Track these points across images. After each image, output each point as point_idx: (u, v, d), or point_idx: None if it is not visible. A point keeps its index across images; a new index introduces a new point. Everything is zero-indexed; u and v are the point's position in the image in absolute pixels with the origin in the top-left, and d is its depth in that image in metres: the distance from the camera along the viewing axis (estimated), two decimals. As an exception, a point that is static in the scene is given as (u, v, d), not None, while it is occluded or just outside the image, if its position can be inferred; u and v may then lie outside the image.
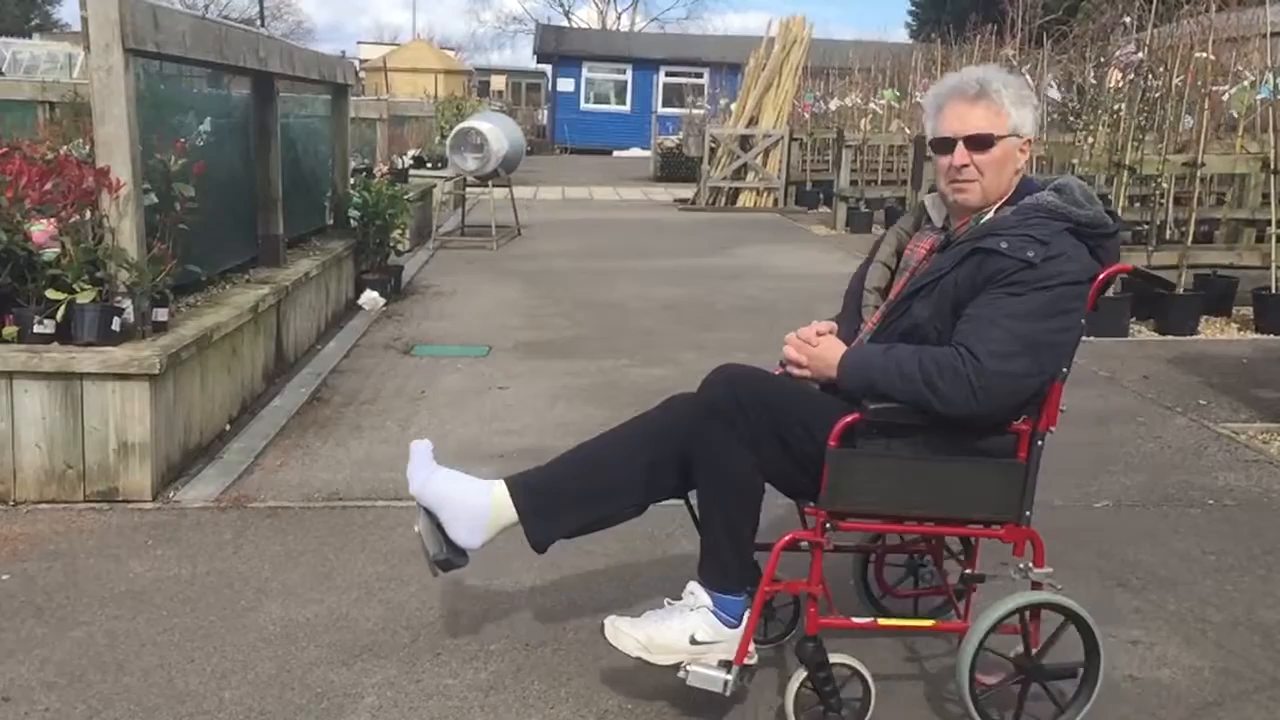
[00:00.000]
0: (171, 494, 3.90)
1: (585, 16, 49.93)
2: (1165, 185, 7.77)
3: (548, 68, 36.02)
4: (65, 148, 4.64)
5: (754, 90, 15.66)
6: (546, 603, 3.07)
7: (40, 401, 3.74)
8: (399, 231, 8.25)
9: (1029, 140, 2.44)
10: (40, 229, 3.75)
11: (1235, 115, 8.12)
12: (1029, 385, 2.28)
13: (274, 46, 5.92)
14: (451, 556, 2.49)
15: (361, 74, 24.50)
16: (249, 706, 2.55)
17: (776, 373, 2.52)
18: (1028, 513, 2.38)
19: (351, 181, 7.90)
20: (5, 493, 3.78)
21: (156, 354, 3.81)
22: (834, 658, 2.38)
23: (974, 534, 2.52)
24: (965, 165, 2.39)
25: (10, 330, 3.82)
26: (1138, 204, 8.24)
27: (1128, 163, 7.18)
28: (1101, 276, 2.33)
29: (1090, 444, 4.71)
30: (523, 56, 66.22)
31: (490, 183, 11.16)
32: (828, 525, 2.35)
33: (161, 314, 4.13)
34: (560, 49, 33.88)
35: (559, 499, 2.47)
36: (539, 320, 7.22)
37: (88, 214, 3.91)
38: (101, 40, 3.79)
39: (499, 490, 2.47)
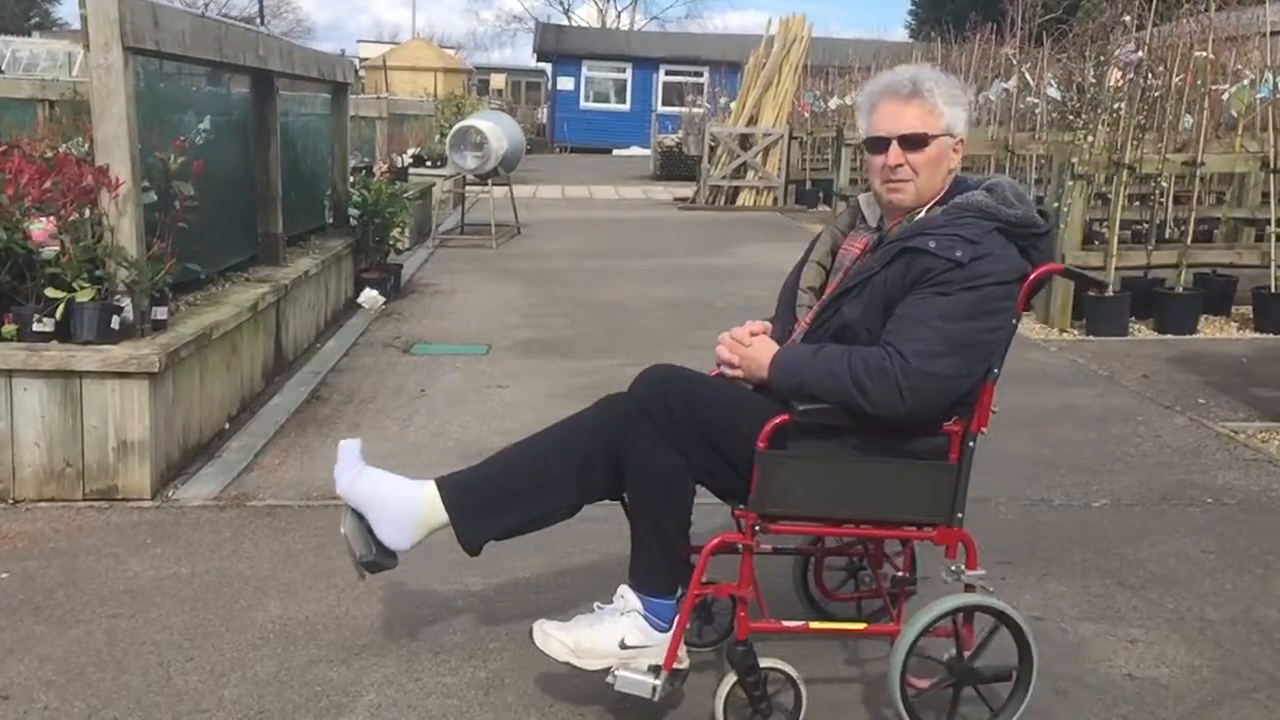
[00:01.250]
0: (171, 493, 3.90)
1: (585, 15, 49.94)
2: (1165, 184, 7.76)
3: (547, 66, 36.01)
4: (64, 146, 4.65)
5: (754, 89, 15.66)
6: (546, 601, 3.07)
7: (39, 400, 3.74)
8: (398, 230, 8.25)
9: (961, 140, 2.43)
10: (39, 227, 3.75)
11: (1235, 114, 8.11)
12: (957, 385, 2.27)
13: (273, 45, 5.92)
14: (380, 558, 2.44)
15: (361, 72, 24.51)
16: (248, 705, 2.55)
17: (712, 374, 2.50)
18: (960, 514, 2.36)
19: (351, 180, 7.90)
20: (4, 491, 3.78)
21: (156, 352, 3.81)
22: (765, 662, 2.35)
23: (906, 536, 2.50)
24: (900, 165, 2.38)
25: (9, 328, 3.82)
26: (1137, 203, 8.24)
27: (1127, 162, 7.18)
28: (1033, 276, 2.31)
29: (1089, 443, 4.71)
30: (522, 55, 66.24)
31: (490, 181, 11.16)
32: (757, 528, 2.32)
33: (161, 312, 4.13)
34: (560, 48, 33.87)
35: (490, 499, 2.43)
36: (538, 319, 7.22)
37: (87, 212, 3.91)
38: (101, 38, 3.79)
39: (429, 490, 2.43)
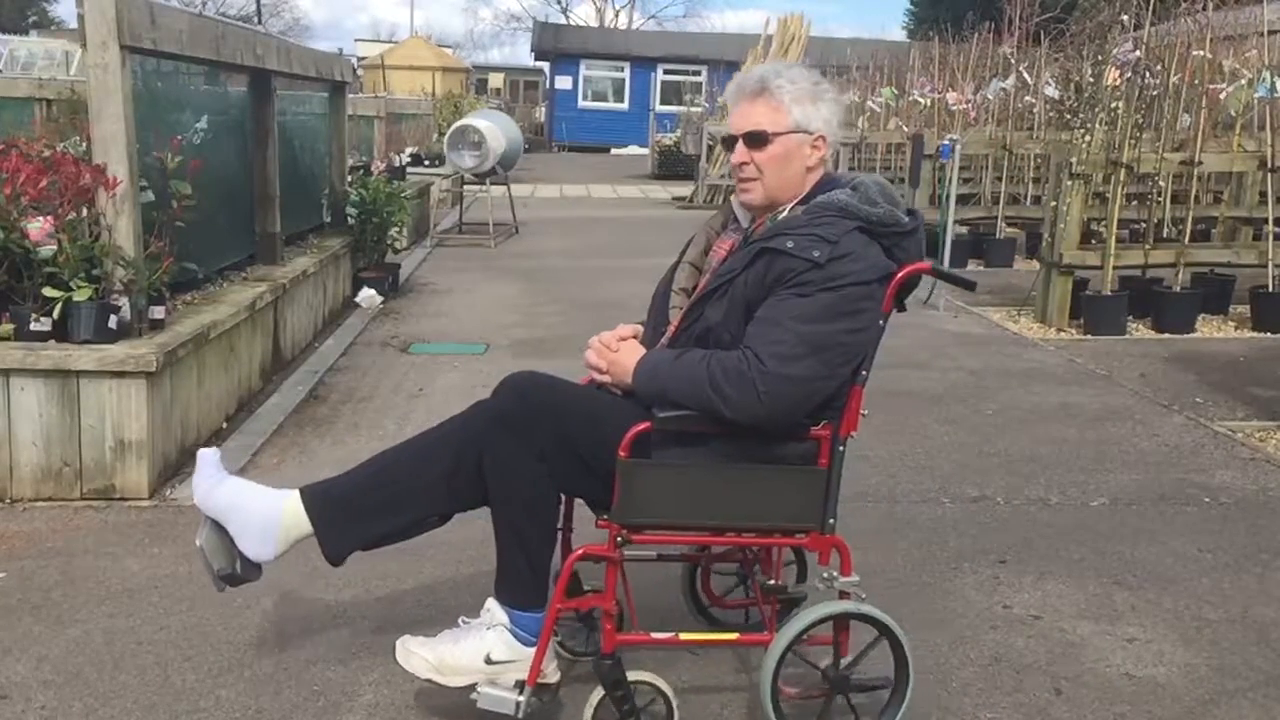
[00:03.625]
0: (168, 492, 3.90)
1: (583, 14, 49.91)
2: (1163, 183, 7.77)
3: (546, 65, 35.98)
4: (62, 145, 4.64)
5: (752, 88, 15.63)
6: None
7: (37, 399, 3.74)
8: (396, 229, 8.25)
9: (821, 137, 2.37)
10: (37, 226, 3.74)
11: (1233, 114, 8.11)
12: (818, 388, 2.21)
13: (271, 44, 5.91)
14: (241, 571, 2.36)
15: (359, 71, 24.51)
16: (246, 705, 2.55)
17: (584, 381, 2.46)
18: (831, 520, 2.31)
19: (349, 179, 7.90)
20: (2, 491, 3.78)
21: (153, 352, 3.80)
22: (634, 675, 2.30)
23: (777, 543, 2.46)
24: (745, 163, 2.35)
25: (6, 328, 3.82)
26: (1135, 202, 8.24)
27: (1125, 161, 7.18)
28: (900, 275, 2.26)
29: (1087, 442, 4.72)
30: (521, 54, 66.29)
31: (488, 180, 11.16)
32: (620, 539, 2.26)
33: (158, 312, 4.13)
34: (558, 47, 33.84)
35: (355, 508, 2.34)
36: (536, 318, 7.22)
37: (84, 211, 3.90)
38: (98, 37, 3.79)
39: (292, 500, 2.35)
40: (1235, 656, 2.88)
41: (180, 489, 3.93)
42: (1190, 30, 8.12)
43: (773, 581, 2.48)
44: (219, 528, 2.35)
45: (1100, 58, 7.65)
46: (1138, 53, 7.43)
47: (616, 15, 49.62)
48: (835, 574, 2.34)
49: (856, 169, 14.40)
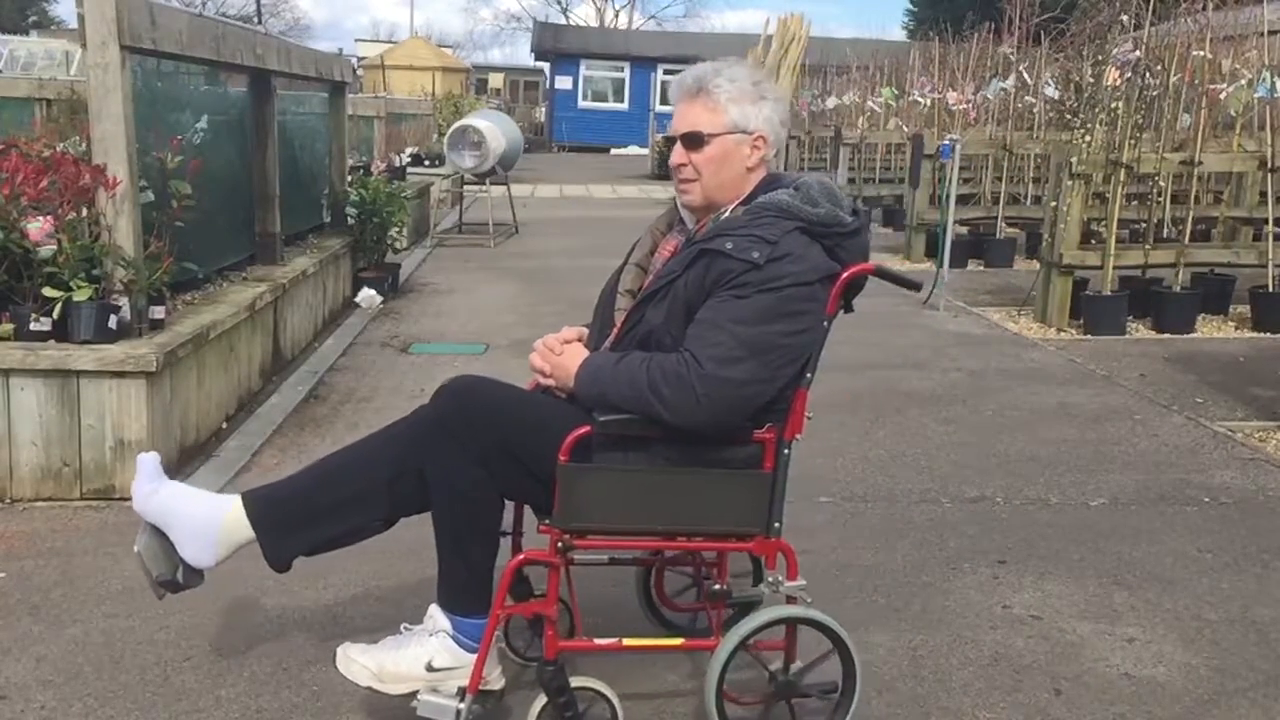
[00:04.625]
0: (168, 492, 3.89)
1: (583, 14, 49.92)
2: (1163, 183, 7.77)
3: (545, 65, 35.98)
4: (62, 145, 4.64)
5: (752, 88, 15.63)
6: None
7: (37, 399, 3.74)
8: (396, 229, 8.25)
9: (761, 136, 2.35)
10: (37, 226, 3.74)
11: (1233, 114, 8.11)
12: (759, 391, 2.18)
13: (271, 44, 5.91)
14: (181, 577, 2.33)
15: (359, 71, 24.51)
16: (245, 704, 2.55)
17: (530, 385, 2.43)
18: (777, 524, 2.29)
19: (349, 179, 7.90)
20: (2, 491, 3.78)
21: (153, 352, 3.80)
22: (577, 681, 2.28)
23: (722, 548, 2.43)
24: (683, 164, 2.34)
25: (6, 328, 3.82)
26: (1135, 202, 8.24)
27: (1125, 161, 7.18)
28: (845, 276, 2.24)
29: (1087, 442, 4.72)
30: (521, 54, 66.31)
31: (488, 180, 11.16)
32: (561, 544, 2.23)
33: (158, 312, 4.13)
34: (558, 47, 33.84)
35: (297, 513, 2.32)
36: (536, 318, 7.22)
37: (84, 211, 3.91)
38: (98, 37, 3.79)
39: (233, 506, 2.32)
40: (1235, 657, 2.88)
41: (180, 489, 3.93)
42: (1190, 30, 8.12)
43: (718, 586, 2.43)
44: (159, 534, 2.33)
45: (1100, 58, 7.65)
46: (1138, 53, 7.43)
47: (616, 15, 49.68)
48: (781, 578, 2.31)
49: (857, 169, 14.40)
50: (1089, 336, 7.03)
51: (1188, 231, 7.61)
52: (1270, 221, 7.46)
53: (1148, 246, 7.41)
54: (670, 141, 2.37)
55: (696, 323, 2.20)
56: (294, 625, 2.94)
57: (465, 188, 11.74)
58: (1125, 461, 4.48)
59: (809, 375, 2.25)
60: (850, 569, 3.38)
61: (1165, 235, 7.88)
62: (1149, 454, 4.59)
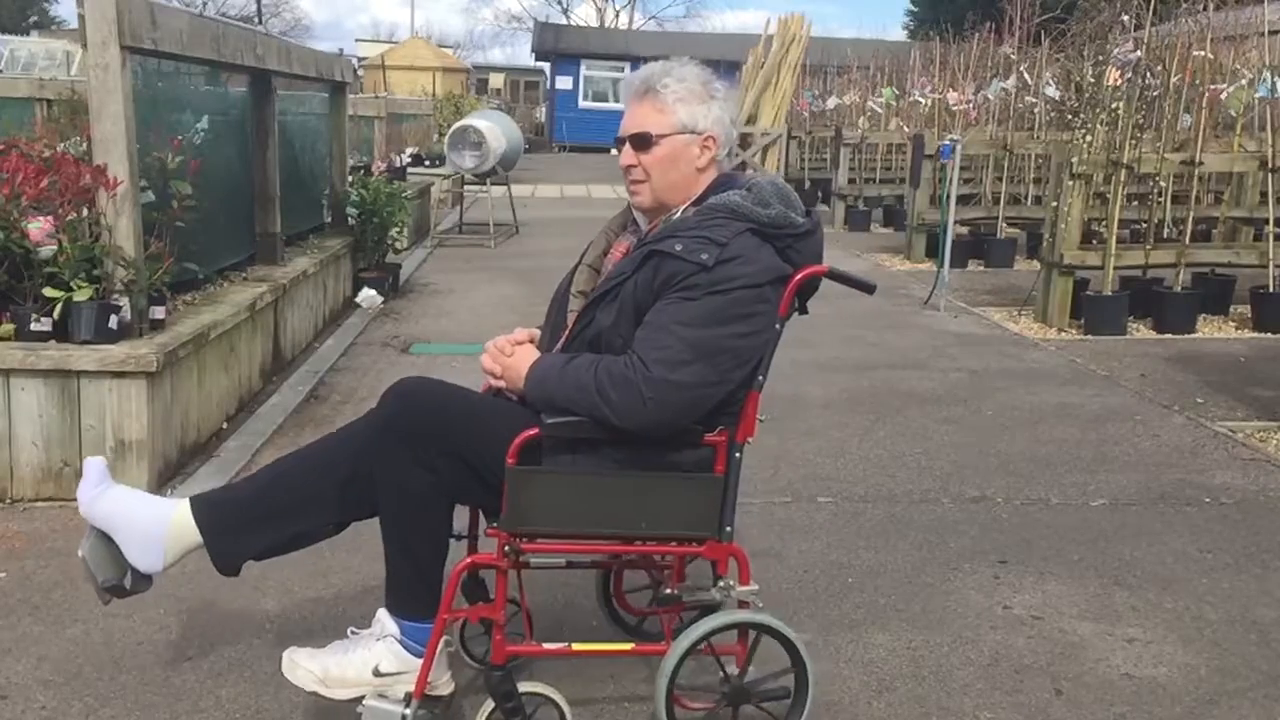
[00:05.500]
0: (168, 492, 3.89)
1: (584, 15, 49.92)
2: (1163, 184, 7.77)
3: (546, 66, 35.98)
4: (62, 145, 4.64)
5: (752, 88, 15.64)
6: (543, 599, 3.07)
7: (37, 399, 3.74)
8: (397, 230, 8.25)
9: (711, 137, 2.33)
10: (37, 227, 3.74)
11: (1233, 114, 8.11)
12: (708, 394, 2.16)
13: (271, 44, 5.91)
14: (128, 582, 2.29)
15: (360, 72, 24.51)
16: (245, 704, 2.55)
17: (484, 387, 2.40)
18: (729, 528, 2.26)
19: (349, 179, 7.90)
20: (2, 490, 3.78)
21: (154, 352, 3.81)
22: (525, 686, 2.27)
23: (673, 552, 2.40)
24: (632, 165, 2.32)
25: (7, 328, 3.82)
26: (1135, 202, 8.24)
27: (1126, 161, 7.18)
28: (798, 278, 2.22)
29: (1087, 442, 4.72)
30: (521, 54, 66.32)
31: (488, 181, 11.16)
32: (508, 548, 2.22)
33: (159, 312, 4.13)
34: (559, 47, 33.85)
35: (245, 517, 2.29)
36: (537, 318, 7.14)
37: (85, 212, 3.91)
38: (99, 37, 3.79)
39: (180, 509, 2.29)
40: (1235, 657, 2.88)
41: (181, 489, 3.93)
42: (1191, 30, 8.12)
43: (669, 591, 2.39)
44: (105, 538, 2.29)
45: (1101, 58, 7.65)
46: (1138, 53, 7.43)
47: (617, 15, 49.68)
48: (733, 583, 2.29)
49: (857, 169, 14.40)
50: (1089, 337, 7.03)
51: (1188, 232, 7.60)
52: (1271, 221, 7.46)
53: (1148, 247, 7.41)
54: (620, 142, 2.36)
55: (645, 325, 2.17)
56: (295, 625, 2.94)
57: (466, 188, 11.74)
58: (1126, 462, 4.48)
59: (761, 378, 2.23)
60: (850, 569, 3.38)
61: (1166, 235, 7.88)
62: (1150, 454, 4.59)
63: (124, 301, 3.93)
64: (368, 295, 7.39)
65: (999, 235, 10.39)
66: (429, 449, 2.17)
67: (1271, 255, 7.38)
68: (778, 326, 2.23)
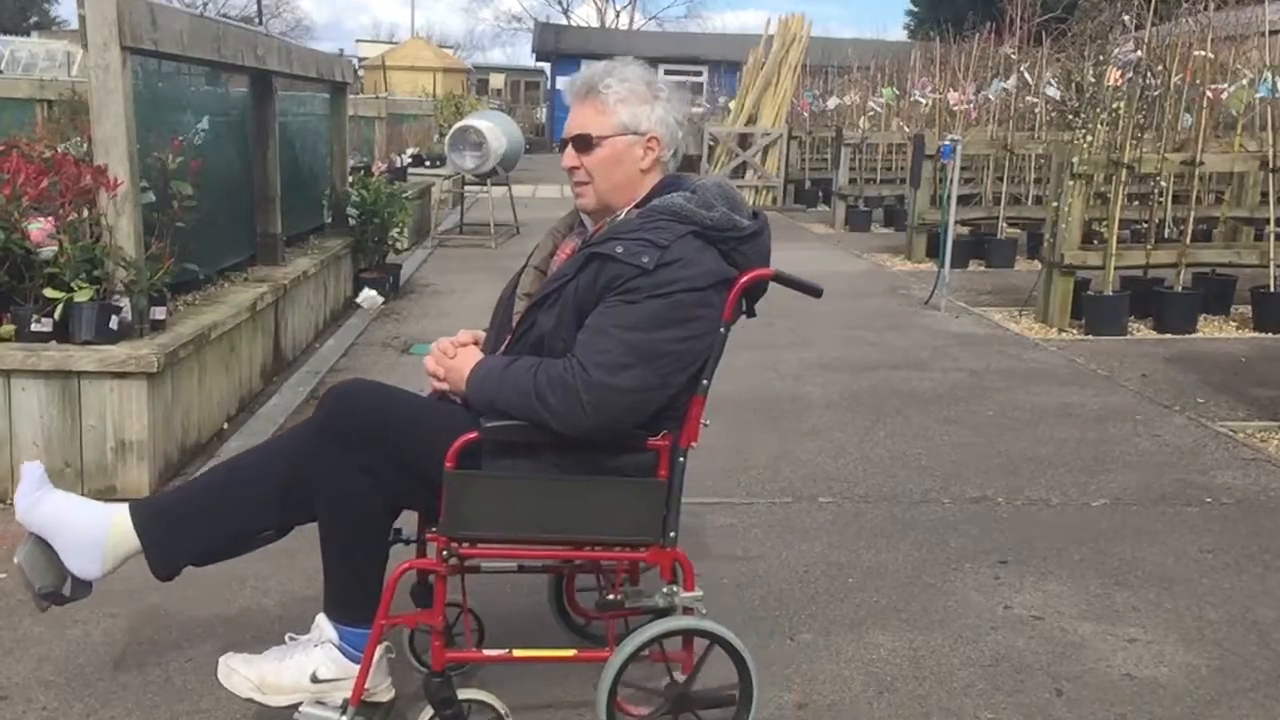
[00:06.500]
0: (169, 492, 3.90)
1: (584, 15, 49.95)
2: (1164, 183, 7.77)
3: (546, 66, 36.01)
4: (63, 146, 4.64)
5: (753, 89, 15.66)
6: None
7: (38, 400, 3.74)
8: (397, 230, 8.25)
9: (654, 138, 2.29)
10: (38, 227, 3.74)
11: (1234, 114, 8.11)
12: (648, 399, 2.13)
13: (272, 45, 5.91)
14: (65, 589, 2.26)
15: (360, 72, 24.51)
16: (246, 705, 2.53)
17: (430, 390, 2.37)
18: (673, 533, 2.23)
19: (350, 180, 7.90)
20: (3, 491, 3.78)
21: (154, 352, 3.81)
22: (465, 693, 2.24)
23: (616, 558, 2.35)
24: (575, 167, 2.30)
25: (8, 328, 3.82)
26: (1136, 202, 8.24)
27: (1126, 161, 7.18)
28: (743, 281, 2.19)
29: (1088, 442, 4.72)
30: (522, 55, 66.32)
31: (489, 181, 11.16)
32: (446, 552, 2.17)
33: (159, 312, 4.13)
34: (559, 47, 33.85)
35: (184, 522, 2.26)
36: (537, 319, 7.21)
37: (85, 212, 3.91)
38: (99, 38, 3.79)
39: (119, 515, 2.25)
40: (1236, 657, 2.88)
41: (181, 489, 3.93)
42: (1191, 30, 8.12)
43: (612, 596, 2.34)
44: (43, 544, 2.26)
45: (1101, 58, 7.65)
46: (1139, 53, 7.43)
47: (618, 16, 49.69)
48: (677, 589, 2.26)
49: (858, 170, 14.40)
50: (1090, 337, 7.02)
51: (1189, 232, 7.60)
52: (1272, 221, 7.45)
53: (1149, 247, 7.41)
54: (564, 144, 2.34)
55: (585, 329, 2.15)
56: (296, 626, 2.93)
57: (466, 188, 11.74)
58: (1126, 462, 4.48)
59: (705, 382, 2.20)
60: (851, 569, 3.38)
61: (1166, 235, 7.88)
62: (1150, 454, 4.59)
63: (125, 302, 3.93)
64: (368, 296, 7.39)
65: (999, 235, 10.39)
66: (365, 451, 2.15)
67: (1272, 255, 7.38)
68: (722, 330, 2.20)
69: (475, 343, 2.39)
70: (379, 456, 2.15)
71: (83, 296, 3.80)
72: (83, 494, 3.74)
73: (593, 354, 2.10)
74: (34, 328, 3.79)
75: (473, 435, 2.13)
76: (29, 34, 28.84)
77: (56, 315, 3.80)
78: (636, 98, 2.29)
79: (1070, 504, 3.99)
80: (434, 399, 2.36)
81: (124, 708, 2.53)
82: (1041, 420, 5.04)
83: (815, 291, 2.30)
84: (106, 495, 3.79)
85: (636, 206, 2.30)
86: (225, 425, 4.64)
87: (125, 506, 2.29)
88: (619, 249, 2.14)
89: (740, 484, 4.11)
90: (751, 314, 2.33)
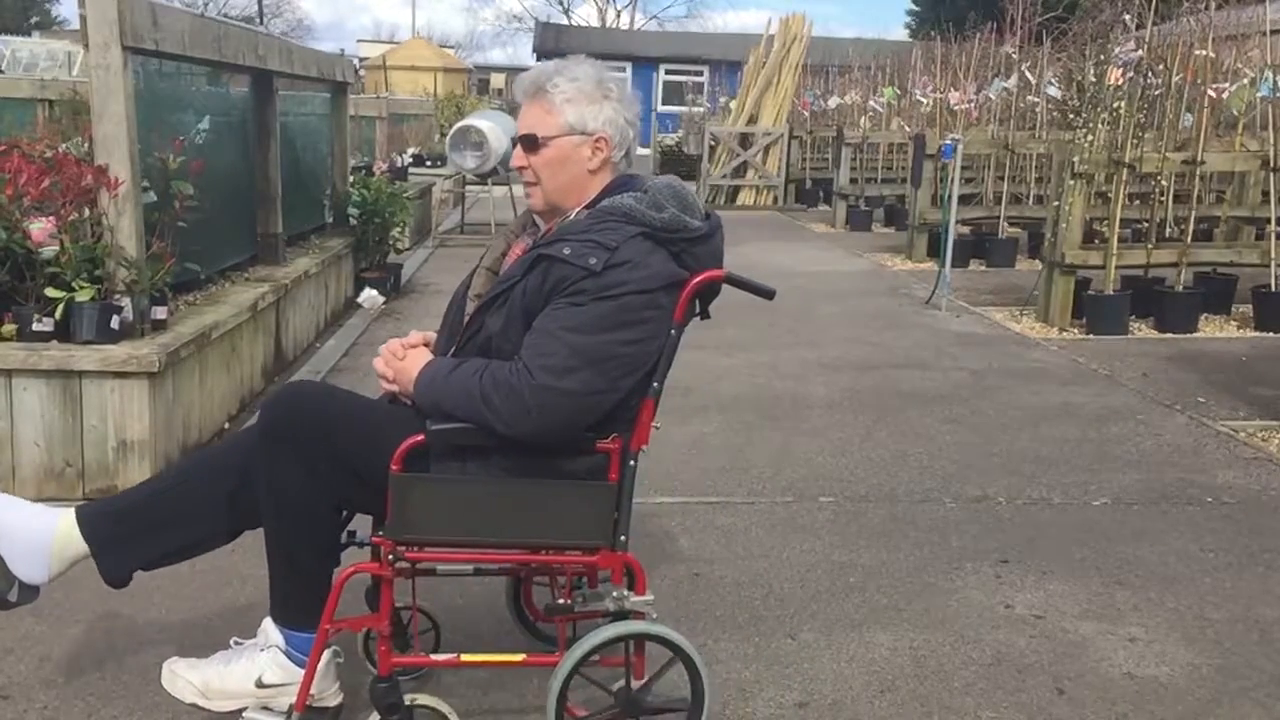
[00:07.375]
0: (170, 492, 3.89)
1: (585, 15, 49.99)
2: (1165, 183, 7.76)
3: (547, 66, 35.95)
4: (64, 146, 4.64)
5: (754, 88, 15.66)
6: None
7: (39, 399, 3.74)
8: (398, 230, 8.25)
9: (602, 138, 2.27)
10: (39, 227, 3.74)
11: (1235, 113, 8.10)
12: (596, 401, 2.10)
13: (273, 44, 5.91)
14: (12, 594, 2.24)
15: (361, 72, 24.52)
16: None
17: (381, 392, 2.35)
18: (623, 537, 2.21)
19: (351, 179, 7.90)
20: (4, 490, 3.78)
21: (155, 352, 3.81)
22: (412, 698, 2.21)
23: (566, 560, 2.31)
24: (523, 167, 2.29)
25: (9, 328, 3.82)
26: (1137, 201, 8.24)
27: (1127, 160, 7.18)
28: (694, 283, 2.17)
29: (1089, 441, 4.71)
30: (522, 54, 66.21)
31: (490, 181, 11.16)
32: (391, 556, 2.16)
33: (160, 312, 4.13)
34: (560, 47, 33.82)
35: (133, 527, 2.25)
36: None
37: (86, 212, 3.91)
38: (100, 38, 3.79)
39: (65, 520, 2.24)
40: (1238, 656, 2.88)
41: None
42: (1192, 30, 8.11)
43: (562, 601, 2.34)
44: None
45: (1102, 57, 7.65)
46: (1140, 52, 7.43)
47: (618, 16, 49.67)
48: (627, 593, 2.23)
49: (859, 169, 14.40)
50: (1091, 336, 7.02)
51: (1190, 231, 7.60)
52: (1273, 221, 7.45)
53: (1150, 246, 7.40)
54: (514, 143, 2.33)
55: (532, 331, 2.13)
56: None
57: (467, 188, 11.75)
58: (1128, 461, 4.48)
59: (656, 384, 2.18)
60: (852, 568, 3.38)
61: (1167, 235, 7.87)
62: (1151, 453, 4.59)
63: (126, 302, 3.93)
64: (369, 295, 7.31)
65: (1000, 235, 10.38)
66: (310, 452, 2.13)
67: (1273, 254, 7.37)
68: (673, 333, 2.18)
69: (426, 344, 2.36)
70: (323, 458, 2.14)
71: (84, 296, 3.80)
72: (83, 494, 3.78)
73: (538, 356, 2.08)
74: (35, 327, 3.79)
75: (419, 438, 2.10)
76: (30, 34, 28.86)
77: (58, 315, 3.80)
78: (584, 97, 2.27)
79: (1071, 503, 3.99)
80: (384, 401, 2.34)
81: (125, 707, 2.53)
82: (1042, 420, 5.04)
83: (767, 293, 2.27)
84: (108, 495, 3.79)
85: (586, 207, 2.28)
86: (226, 425, 4.64)
87: (71, 511, 2.27)
88: (566, 250, 2.12)
89: (741, 484, 4.11)
90: (705, 316, 2.31)
